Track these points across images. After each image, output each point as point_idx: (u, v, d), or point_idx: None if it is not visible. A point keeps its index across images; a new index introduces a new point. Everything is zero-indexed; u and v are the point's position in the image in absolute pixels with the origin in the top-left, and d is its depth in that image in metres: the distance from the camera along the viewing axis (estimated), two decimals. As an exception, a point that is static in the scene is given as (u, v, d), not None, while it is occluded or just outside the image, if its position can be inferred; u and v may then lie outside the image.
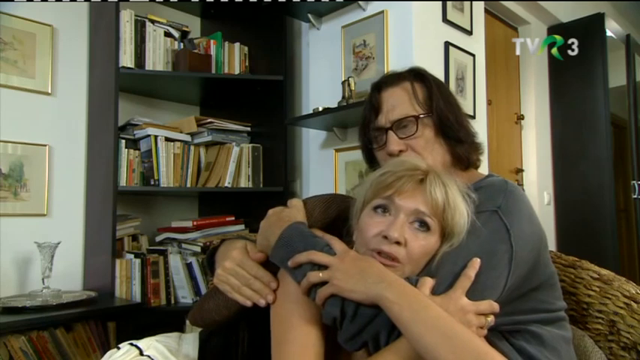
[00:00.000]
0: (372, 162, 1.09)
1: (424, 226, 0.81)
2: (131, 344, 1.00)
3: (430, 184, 0.82)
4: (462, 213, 0.82)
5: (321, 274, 0.78)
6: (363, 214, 0.85)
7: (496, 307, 0.78)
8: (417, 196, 0.81)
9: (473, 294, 0.77)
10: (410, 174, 0.83)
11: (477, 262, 0.79)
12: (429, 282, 0.78)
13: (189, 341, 1.05)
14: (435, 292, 0.78)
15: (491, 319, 0.78)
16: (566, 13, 3.51)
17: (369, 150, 1.09)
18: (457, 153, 1.00)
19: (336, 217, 0.96)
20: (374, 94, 1.06)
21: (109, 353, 0.99)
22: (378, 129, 1.03)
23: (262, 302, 0.87)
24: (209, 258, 1.03)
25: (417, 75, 1.04)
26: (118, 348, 1.00)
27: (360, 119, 1.10)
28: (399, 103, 1.01)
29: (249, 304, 0.88)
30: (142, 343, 1.00)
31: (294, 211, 0.93)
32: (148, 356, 0.97)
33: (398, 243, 0.79)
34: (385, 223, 0.81)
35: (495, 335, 0.84)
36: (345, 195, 1.04)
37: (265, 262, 0.91)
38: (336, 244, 0.84)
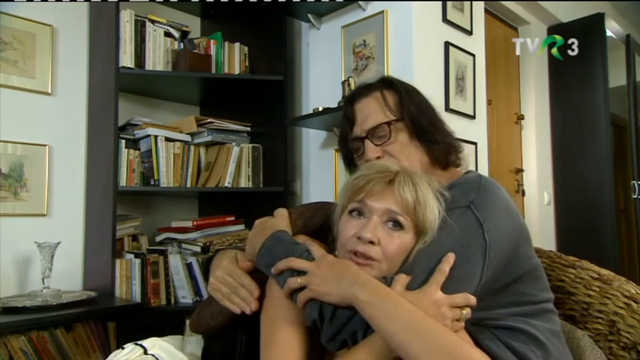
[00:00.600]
0: (353, 171, 1.12)
1: (397, 225, 0.84)
2: (135, 344, 1.01)
3: (399, 183, 0.85)
4: (432, 210, 0.84)
5: (299, 280, 0.83)
6: (341, 219, 0.89)
7: (472, 299, 0.80)
8: (387, 197, 0.84)
9: (448, 288, 0.79)
10: (379, 176, 0.86)
11: (451, 257, 0.81)
12: (402, 279, 0.80)
13: (193, 342, 1.06)
14: (411, 288, 0.80)
15: (467, 311, 0.79)
16: (566, 13, 3.51)
17: (350, 160, 1.13)
18: (434, 154, 1.03)
19: (322, 225, 1.00)
20: (347, 107, 1.11)
21: (113, 353, 1.01)
22: (355, 139, 1.07)
23: (248, 310, 0.91)
24: (205, 266, 1.07)
25: (386, 83, 1.08)
26: (123, 348, 1.00)
27: (338, 131, 1.15)
28: (371, 112, 1.04)
29: (238, 311, 0.92)
30: (147, 342, 1.02)
31: (279, 220, 0.97)
32: (153, 355, 0.98)
33: (372, 243, 0.82)
34: (359, 225, 0.84)
35: (481, 330, 0.85)
36: (333, 203, 1.06)
37: (256, 270, 0.94)
38: (315, 249, 0.87)
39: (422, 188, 0.85)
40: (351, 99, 1.11)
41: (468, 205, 0.87)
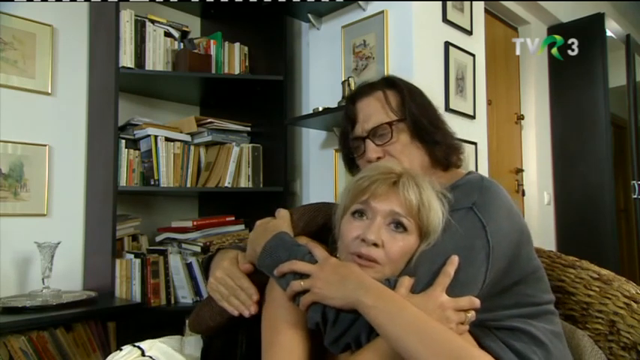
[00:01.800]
0: (353, 170, 1.12)
1: (401, 226, 0.84)
2: (133, 345, 1.01)
3: (403, 185, 0.84)
4: (436, 212, 0.84)
5: (302, 283, 0.82)
6: (344, 220, 0.88)
7: (476, 302, 0.80)
8: (391, 198, 0.84)
9: (452, 291, 0.79)
10: (383, 177, 0.85)
11: (455, 260, 0.80)
12: (406, 282, 0.80)
13: (192, 343, 1.06)
14: (414, 290, 0.80)
15: (471, 314, 0.79)
16: (566, 13, 3.51)
17: (350, 159, 1.12)
18: (435, 155, 1.03)
19: (323, 226, 0.99)
20: (349, 106, 1.10)
21: (111, 355, 1.01)
22: (356, 139, 1.06)
23: (246, 313, 0.91)
24: (205, 265, 1.07)
25: (388, 83, 1.07)
26: (121, 349, 1.00)
27: (338, 131, 1.13)
28: (373, 112, 1.04)
29: (235, 313, 0.92)
30: (144, 344, 1.02)
31: (280, 222, 0.96)
32: (150, 357, 0.98)
33: (375, 245, 0.81)
34: (363, 226, 0.84)
35: (483, 331, 0.85)
36: (333, 203, 1.06)
37: (256, 272, 0.94)
38: (318, 251, 0.87)
39: (426, 190, 0.85)
40: (352, 98, 1.10)
41: (470, 206, 0.86)
